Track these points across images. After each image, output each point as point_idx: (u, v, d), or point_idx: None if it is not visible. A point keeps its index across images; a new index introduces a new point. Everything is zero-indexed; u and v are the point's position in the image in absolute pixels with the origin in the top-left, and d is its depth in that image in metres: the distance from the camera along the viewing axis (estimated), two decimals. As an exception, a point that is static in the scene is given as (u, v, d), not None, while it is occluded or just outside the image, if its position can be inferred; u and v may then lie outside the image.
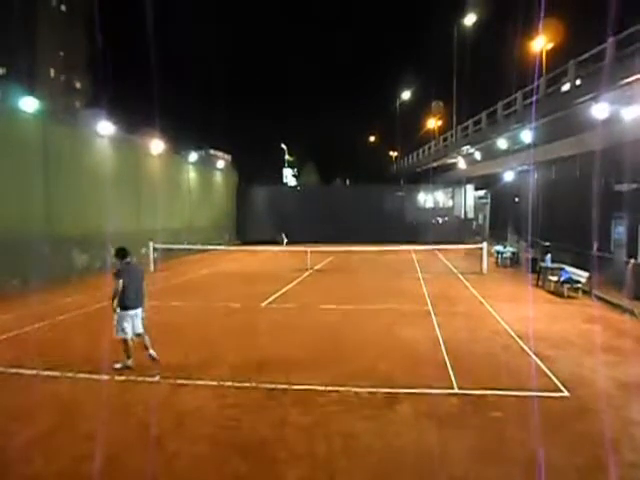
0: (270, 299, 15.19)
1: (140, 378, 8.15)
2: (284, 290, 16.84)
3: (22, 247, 16.21)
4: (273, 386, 7.79)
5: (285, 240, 35.05)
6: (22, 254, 16.13)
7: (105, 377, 8.14)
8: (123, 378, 8.16)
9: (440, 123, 57.85)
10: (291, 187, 57.41)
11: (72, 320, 12.39)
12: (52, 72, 57.34)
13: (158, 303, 14.68)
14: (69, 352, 9.45)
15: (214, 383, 7.97)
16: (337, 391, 7.58)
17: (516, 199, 29.93)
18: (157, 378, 8.14)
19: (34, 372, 8.46)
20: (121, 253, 8.74)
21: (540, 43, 34.29)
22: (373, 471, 5.43)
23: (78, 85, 61.68)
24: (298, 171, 79.89)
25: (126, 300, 8.41)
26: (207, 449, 5.92)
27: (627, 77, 15.96)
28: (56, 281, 17.21)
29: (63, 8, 59.23)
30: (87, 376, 8.27)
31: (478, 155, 35.19)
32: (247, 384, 7.88)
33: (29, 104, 17.71)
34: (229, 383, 7.95)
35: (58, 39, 56.80)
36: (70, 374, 8.28)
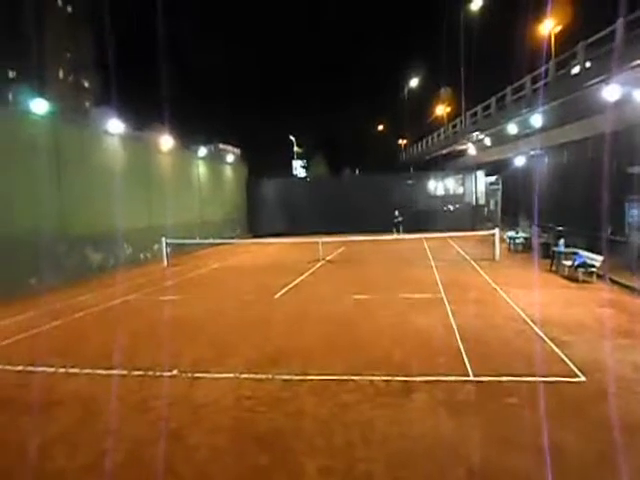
0: (283, 291, 15.25)
1: (158, 373, 8.24)
2: (297, 282, 16.89)
3: (38, 247, 16.39)
4: (289, 377, 7.85)
5: None
6: (38, 254, 16.32)
7: (123, 372, 8.25)
8: (141, 373, 8.27)
9: (449, 110, 57.56)
10: (301, 178, 57.50)
11: (88, 318, 12.53)
12: (61, 73, 57.74)
13: (173, 297, 14.88)
14: (87, 349, 9.58)
15: (230, 375, 8.05)
16: (353, 380, 7.62)
17: (527, 184, 29.68)
18: (174, 372, 8.24)
19: (53, 370, 8.60)
20: None
21: (549, 26, 33.89)
22: (391, 459, 5.46)
23: (87, 85, 62.05)
24: (307, 162, 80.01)
25: None
26: (226, 441, 5.99)
27: (638, 59, 15.72)
28: (71, 280, 17.43)
29: (69, 9, 59.54)
30: (105, 372, 8.39)
31: (488, 141, 34.91)
32: (263, 376, 7.95)
33: (39, 106, 17.84)
34: (245, 375, 8.03)
35: (65, 40, 57.15)
36: (88, 370, 8.39)
